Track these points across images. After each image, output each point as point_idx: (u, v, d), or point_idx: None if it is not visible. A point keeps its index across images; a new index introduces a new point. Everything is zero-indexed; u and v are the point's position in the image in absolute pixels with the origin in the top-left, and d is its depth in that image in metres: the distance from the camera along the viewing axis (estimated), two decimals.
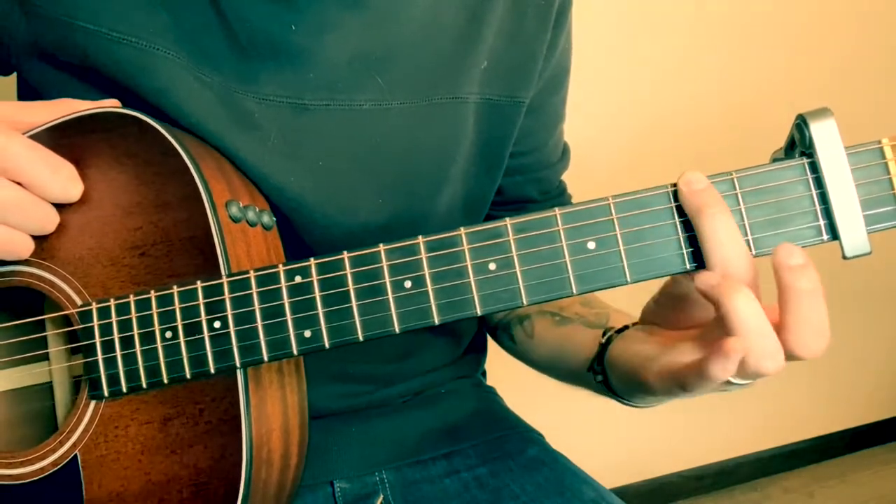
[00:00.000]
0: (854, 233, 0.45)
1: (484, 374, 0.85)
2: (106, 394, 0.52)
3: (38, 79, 0.62)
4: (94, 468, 0.53)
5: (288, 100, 0.60)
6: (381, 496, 0.70)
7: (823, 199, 0.45)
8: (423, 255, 0.49)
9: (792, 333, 0.43)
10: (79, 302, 0.53)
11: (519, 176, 0.73)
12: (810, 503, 1.69)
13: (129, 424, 0.52)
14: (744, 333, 0.42)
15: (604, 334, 0.61)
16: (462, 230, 0.48)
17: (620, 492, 1.38)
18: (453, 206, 0.68)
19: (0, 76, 0.67)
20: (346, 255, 0.49)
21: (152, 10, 0.58)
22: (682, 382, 0.47)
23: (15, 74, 0.68)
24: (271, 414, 0.54)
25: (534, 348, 0.74)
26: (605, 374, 0.60)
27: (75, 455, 0.53)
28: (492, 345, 0.84)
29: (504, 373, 0.93)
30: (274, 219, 0.60)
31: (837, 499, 1.70)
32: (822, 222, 0.46)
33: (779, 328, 0.43)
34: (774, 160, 0.51)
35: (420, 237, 0.49)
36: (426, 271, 0.49)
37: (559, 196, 0.77)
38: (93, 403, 0.53)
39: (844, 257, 0.45)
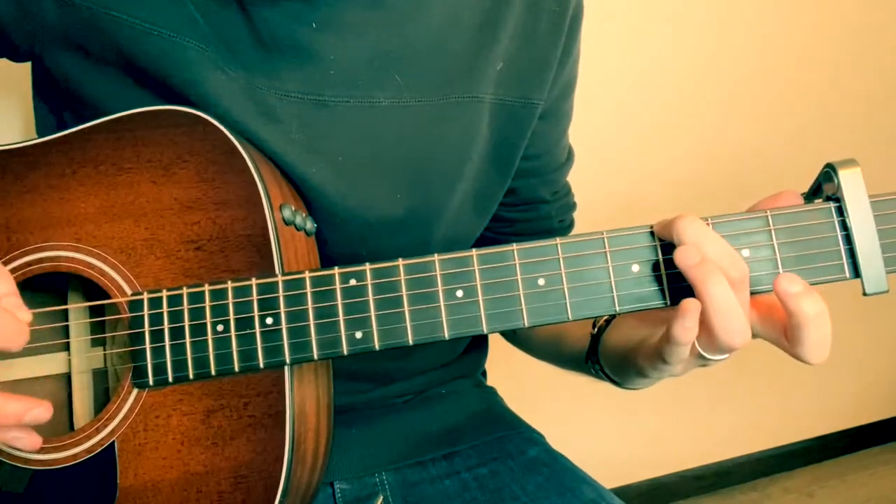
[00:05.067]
0: (874, 273, 0.49)
1: (484, 374, 0.88)
2: (151, 382, 0.53)
3: (60, 68, 0.63)
4: (130, 456, 0.53)
5: (308, 96, 0.62)
6: (381, 497, 0.71)
7: (848, 240, 0.50)
8: (476, 267, 0.51)
9: (803, 349, 0.49)
10: (128, 291, 0.54)
11: (533, 178, 0.76)
12: (810, 503, 1.70)
13: (170, 414, 0.53)
14: (716, 312, 0.47)
15: (594, 325, 0.66)
16: (514, 246, 0.51)
17: (620, 492, 1.40)
18: (465, 203, 0.70)
19: (11, 62, 0.67)
20: (400, 262, 0.52)
21: (181, 6, 0.60)
22: (660, 353, 0.52)
23: (29, 64, 0.68)
24: (309, 413, 0.55)
25: (535, 338, 0.80)
26: (599, 363, 0.65)
27: (112, 442, 0.53)
28: (492, 345, 0.87)
29: (504, 373, 0.95)
30: (315, 226, 0.62)
31: (837, 499, 1.72)
32: (845, 261, 0.50)
33: (791, 344, 0.49)
34: None
35: (474, 250, 0.51)
36: (478, 282, 0.51)
37: (566, 196, 0.81)
38: (135, 392, 0.54)
39: (864, 294, 0.50)
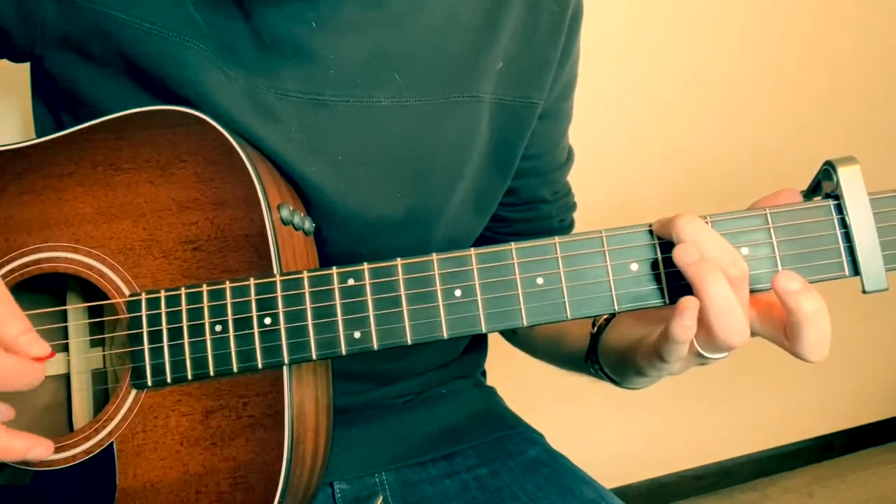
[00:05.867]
0: (874, 270, 0.49)
1: (484, 374, 0.87)
2: (150, 383, 0.53)
3: (59, 69, 0.63)
4: (129, 457, 0.53)
5: (308, 96, 0.62)
6: (381, 497, 0.71)
7: (847, 237, 0.50)
8: (474, 266, 0.51)
9: (802, 347, 0.49)
10: (126, 292, 0.54)
11: (533, 178, 0.76)
12: (810, 503, 1.71)
13: (169, 415, 0.53)
14: (714, 311, 0.47)
15: (594, 324, 0.66)
16: (513, 245, 0.51)
17: (620, 492, 1.40)
18: (465, 203, 0.70)
19: (11, 62, 0.67)
20: (399, 261, 0.52)
21: (181, 5, 0.60)
22: (659, 351, 0.51)
23: (28, 64, 0.68)
24: (308, 413, 0.55)
25: (534, 337, 0.80)
26: (599, 362, 0.65)
27: (111, 443, 0.53)
28: (492, 345, 0.87)
29: (504, 373, 0.95)
30: (314, 225, 0.62)
31: (837, 499, 1.72)
32: (844, 259, 0.50)
33: (790, 342, 0.49)
34: None
35: (472, 249, 0.51)
36: (476, 282, 0.51)
37: (566, 196, 0.81)
38: (133, 392, 0.53)
39: (864, 292, 0.50)
